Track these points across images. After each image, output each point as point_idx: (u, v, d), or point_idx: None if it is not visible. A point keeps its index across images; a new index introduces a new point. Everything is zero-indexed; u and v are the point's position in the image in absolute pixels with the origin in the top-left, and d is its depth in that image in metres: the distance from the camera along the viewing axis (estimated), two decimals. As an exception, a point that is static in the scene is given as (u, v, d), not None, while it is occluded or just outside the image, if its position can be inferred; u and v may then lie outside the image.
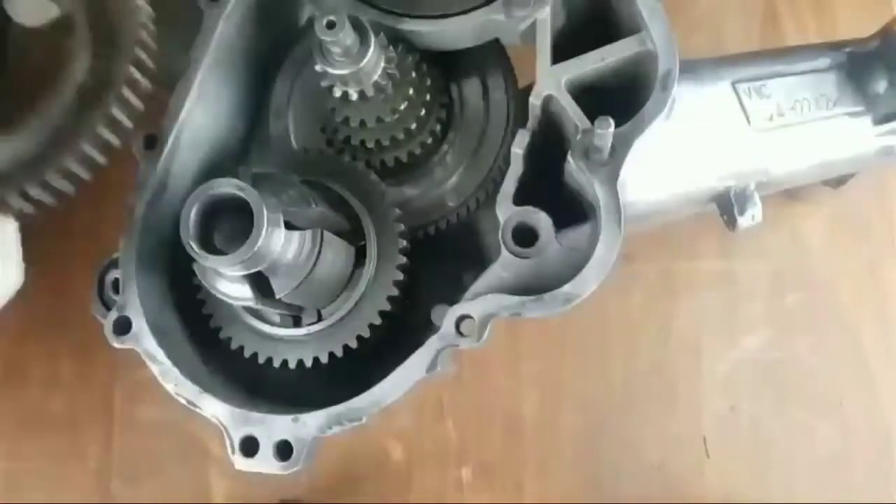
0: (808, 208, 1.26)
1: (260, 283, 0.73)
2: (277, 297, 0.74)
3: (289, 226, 0.71)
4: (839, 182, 1.16)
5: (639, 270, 1.25)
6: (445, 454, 1.22)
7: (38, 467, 1.23)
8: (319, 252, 0.75)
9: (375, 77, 0.78)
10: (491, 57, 0.90)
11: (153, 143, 0.83)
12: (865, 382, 1.22)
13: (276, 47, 0.94)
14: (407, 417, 1.23)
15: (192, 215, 0.68)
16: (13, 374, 1.22)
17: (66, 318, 1.20)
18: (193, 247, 0.68)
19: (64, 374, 1.23)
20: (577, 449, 1.22)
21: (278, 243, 0.70)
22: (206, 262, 0.68)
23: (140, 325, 0.81)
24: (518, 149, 0.81)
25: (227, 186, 0.68)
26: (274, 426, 0.78)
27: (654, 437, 1.22)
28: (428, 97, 0.86)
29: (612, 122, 0.73)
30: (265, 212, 0.67)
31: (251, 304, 0.75)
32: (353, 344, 0.81)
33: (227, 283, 0.74)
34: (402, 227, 0.82)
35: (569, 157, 0.78)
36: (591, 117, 0.77)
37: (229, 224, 0.69)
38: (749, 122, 0.93)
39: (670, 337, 1.25)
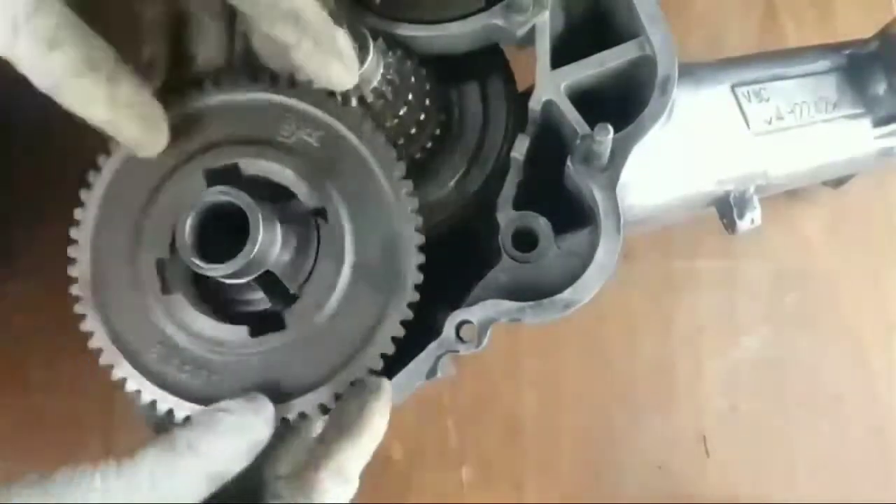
0: (807, 208, 1.26)
1: (270, 284, 0.73)
2: (292, 292, 0.74)
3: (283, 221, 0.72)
4: (839, 182, 1.16)
5: (639, 269, 1.25)
6: (445, 453, 1.23)
7: (38, 467, 1.23)
8: (319, 241, 0.75)
9: (374, 83, 0.78)
10: (490, 61, 0.90)
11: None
12: (865, 381, 1.22)
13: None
14: (407, 417, 1.23)
15: (187, 226, 0.68)
16: (13, 376, 1.22)
17: (67, 319, 1.20)
18: (194, 259, 0.68)
19: (64, 375, 1.23)
20: (577, 448, 1.22)
21: (276, 240, 0.70)
22: (206, 272, 0.68)
23: None
24: (517, 154, 0.81)
25: (219, 194, 0.68)
26: (277, 433, 0.78)
27: (654, 437, 1.22)
28: (427, 101, 0.86)
29: (610, 128, 0.73)
30: (259, 215, 0.67)
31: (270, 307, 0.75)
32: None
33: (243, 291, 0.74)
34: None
35: (568, 163, 0.78)
36: (591, 121, 0.77)
37: (224, 231, 0.68)
38: (748, 125, 0.93)
39: (670, 336, 1.25)
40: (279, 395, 0.72)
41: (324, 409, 0.73)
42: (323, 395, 0.73)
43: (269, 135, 0.76)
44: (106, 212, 0.77)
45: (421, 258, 0.76)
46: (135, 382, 0.74)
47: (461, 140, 0.91)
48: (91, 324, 0.76)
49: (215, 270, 0.68)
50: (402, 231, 0.75)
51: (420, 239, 0.76)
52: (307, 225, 0.75)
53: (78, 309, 0.77)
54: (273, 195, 0.73)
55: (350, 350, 0.74)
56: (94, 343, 0.76)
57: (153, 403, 0.74)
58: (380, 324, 0.74)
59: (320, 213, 0.75)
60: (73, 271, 0.77)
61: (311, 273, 0.75)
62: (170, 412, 0.74)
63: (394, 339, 0.74)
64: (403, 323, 0.74)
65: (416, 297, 0.75)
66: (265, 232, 0.67)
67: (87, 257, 0.77)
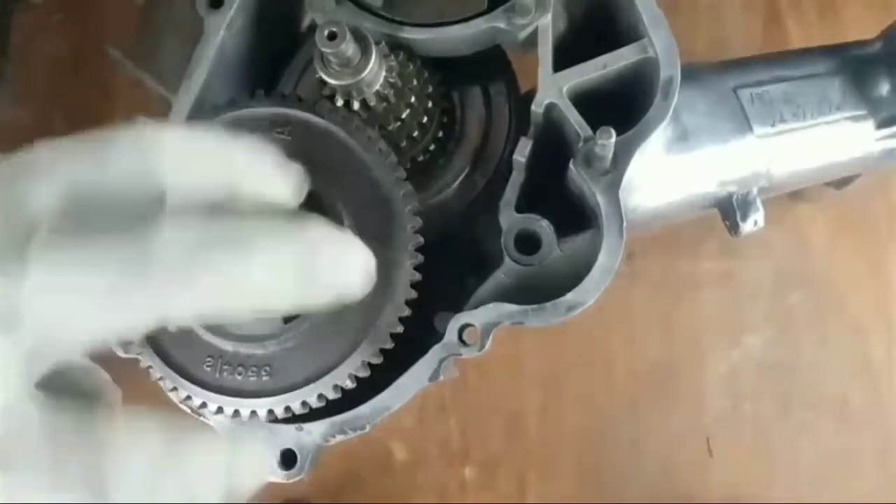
0: (810, 208, 1.26)
1: None
2: None
3: None
4: (842, 183, 1.15)
5: (641, 269, 1.25)
6: (448, 453, 1.23)
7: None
8: None
9: (377, 87, 0.78)
10: (492, 63, 0.90)
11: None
12: (868, 381, 1.23)
13: (280, 48, 0.94)
14: (410, 417, 1.24)
15: None
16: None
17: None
18: None
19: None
20: (580, 448, 1.23)
21: None
22: None
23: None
24: (520, 156, 0.81)
25: None
26: (278, 435, 0.79)
27: (657, 437, 1.22)
28: (430, 104, 0.86)
29: (613, 132, 0.73)
30: None
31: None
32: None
33: None
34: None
35: (570, 166, 0.78)
36: (593, 124, 0.77)
37: None
38: (751, 127, 0.92)
39: (672, 336, 1.25)
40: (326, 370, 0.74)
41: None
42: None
43: None
44: None
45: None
46: (198, 398, 0.76)
47: (463, 142, 0.91)
48: (148, 359, 0.77)
49: None
50: (394, 197, 0.76)
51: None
52: None
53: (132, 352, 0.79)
54: None
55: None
56: (155, 374, 0.77)
57: (219, 409, 0.76)
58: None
59: (315, 204, 0.76)
60: None
61: None
62: (235, 413, 0.76)
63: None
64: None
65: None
66: None
67: None
